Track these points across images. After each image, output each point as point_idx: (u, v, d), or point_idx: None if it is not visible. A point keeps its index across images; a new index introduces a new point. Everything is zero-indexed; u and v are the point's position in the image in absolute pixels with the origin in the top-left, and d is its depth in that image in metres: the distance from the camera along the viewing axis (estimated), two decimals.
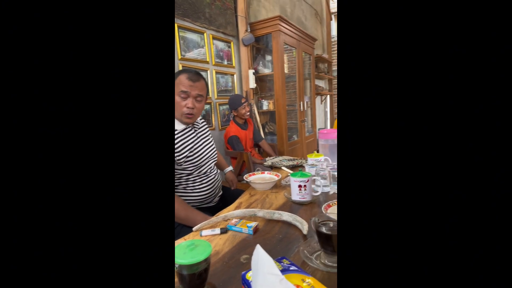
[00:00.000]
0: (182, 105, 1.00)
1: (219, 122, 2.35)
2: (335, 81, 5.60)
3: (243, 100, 2.01)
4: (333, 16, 5.46)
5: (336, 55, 5.64)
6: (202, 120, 1.22)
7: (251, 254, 0.41)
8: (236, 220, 0.74)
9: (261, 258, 0.38)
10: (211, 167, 1.13)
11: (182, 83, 0.99)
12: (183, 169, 1.02)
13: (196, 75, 1.03)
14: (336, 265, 0.50)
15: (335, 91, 5.59)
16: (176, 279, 0.44)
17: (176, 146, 1.00)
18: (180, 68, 1.94)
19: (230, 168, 1.41)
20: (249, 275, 0.41)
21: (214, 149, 1.18)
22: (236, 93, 2.52)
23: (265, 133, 2.75)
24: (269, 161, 1.46)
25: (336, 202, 0.79)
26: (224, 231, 0.69)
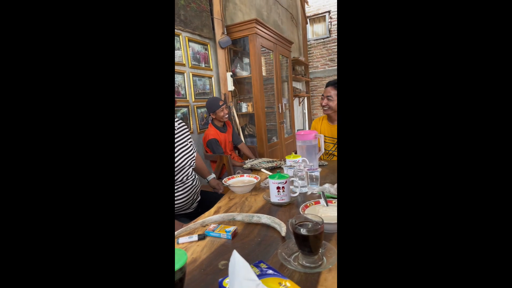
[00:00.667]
0: None
1: (198, 125, 2.31)
2: (312, 83, 5.73)
3: (221, 103, 2.00)
4: (308, 20, 5.60)
5: (312, 58, 5.77)
6: (180, 123, 1.15)
7: (229, 259, 0.40)
8: (215, 225, 0.72)
9: (237, 263, 0.38)
10: (188, 174, 1.09)
11: None
12: None
13: None
14: (313, 265, 0.51)
15: (312, 93, 5.72)
16: None
17: None
18: None
19: (213, 176, 1.38)
20: (226, 282, 0.41)
21: (192, 155, 1.13)
22: (214, 95, 2.50)
23: (245, 136, 2.74)
24: (248, 163, 1.45)
25: (313, 203, 0.80)
26: (202, 237, 0.67)
